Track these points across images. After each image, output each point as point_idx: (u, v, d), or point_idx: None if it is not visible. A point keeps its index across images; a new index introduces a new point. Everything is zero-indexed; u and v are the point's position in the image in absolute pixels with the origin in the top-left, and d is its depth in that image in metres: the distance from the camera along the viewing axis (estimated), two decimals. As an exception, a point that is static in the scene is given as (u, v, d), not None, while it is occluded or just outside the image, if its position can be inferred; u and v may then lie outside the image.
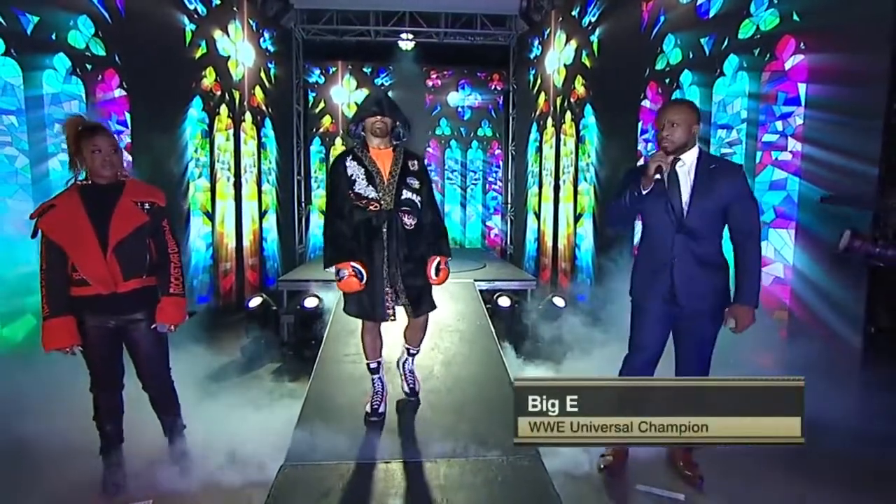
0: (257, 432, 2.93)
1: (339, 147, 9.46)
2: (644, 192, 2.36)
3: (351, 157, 2.68)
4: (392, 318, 2.71)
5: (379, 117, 2.63)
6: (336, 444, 2.56)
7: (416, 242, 2.70)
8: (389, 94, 3.61)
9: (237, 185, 6.65)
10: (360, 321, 2.78)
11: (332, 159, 9.93)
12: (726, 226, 2.43)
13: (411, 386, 3.00)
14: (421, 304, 2.74)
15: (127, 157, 4.35)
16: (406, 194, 2.67)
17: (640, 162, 3.48)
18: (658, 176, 2.32)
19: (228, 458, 2.66)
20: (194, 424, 2.79)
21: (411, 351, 2.97)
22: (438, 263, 2.71)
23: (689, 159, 2.40)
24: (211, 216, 6.04)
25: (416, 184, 2.69)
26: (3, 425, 2.87)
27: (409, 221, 2.67)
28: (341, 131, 9.37)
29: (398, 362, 3.02)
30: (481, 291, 5.22)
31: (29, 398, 3.01)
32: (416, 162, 2.74)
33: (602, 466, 2.68)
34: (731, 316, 2.40)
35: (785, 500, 2.52)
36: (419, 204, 2.70)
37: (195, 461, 2.63)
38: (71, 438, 2.69)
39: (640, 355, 2.55)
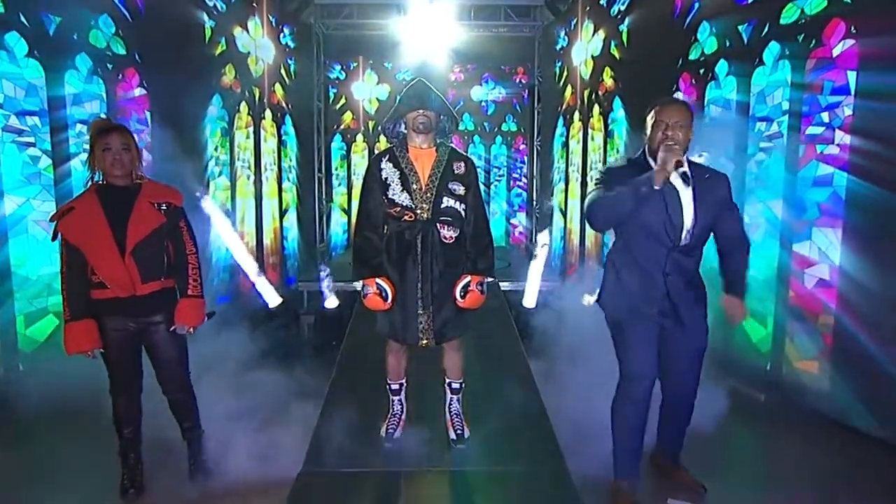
0: (275, 436, 2.90)
1: (360, 143, 9.40)
2: (656, 188, 2.08)
3: (387, 157, 2.41)
4: (424, 342, 2.43)
5: (421, 111, 2.33)
6: (354, 451, 2.54)
7: (455, 258, 2.41)
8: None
9: (257, 184, 6.64)
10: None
11: (352, 155, 9.65)
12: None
13: (458, 432, 2.58)
14: (444, 330, 2.42)
15: (147, 156, 4.34)
16: (447, 202, 2.36)
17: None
18: (683, 169, 2.11)
19: (246, 464, 2.65)
20: (212, 428, 2.77)
21: (453, 385, 2.61)
22: (467, 284, 2.37)
23: None
24: (231, 215, 6.04)
25: (459, 189, 2.38)
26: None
27: (448, 234, 2.37)
28: (362, 127, 9.31)
29: (446, 406, 2.64)
30: (505, 292, 5.10)
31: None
32: (462, 164, 2.42)
33: None
34: (727, 308, 2.37)
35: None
36: (462, 213, 2.39)
37: (212, 466, 2.62)
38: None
39: (642, 382, 2.31)
